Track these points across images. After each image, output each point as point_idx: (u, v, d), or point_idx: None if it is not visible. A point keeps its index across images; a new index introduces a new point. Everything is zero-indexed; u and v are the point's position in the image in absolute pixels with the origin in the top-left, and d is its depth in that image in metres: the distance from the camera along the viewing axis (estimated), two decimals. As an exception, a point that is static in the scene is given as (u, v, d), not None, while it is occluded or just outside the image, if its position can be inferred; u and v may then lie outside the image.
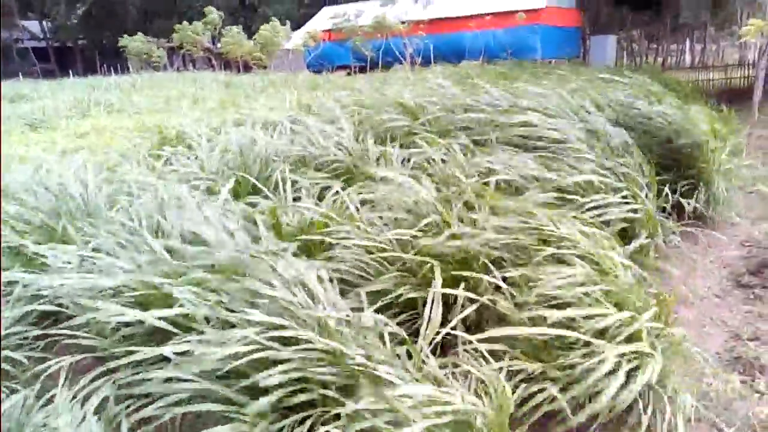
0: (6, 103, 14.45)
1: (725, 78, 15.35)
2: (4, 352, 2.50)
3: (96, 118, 11.01)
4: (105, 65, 31.32)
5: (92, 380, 2.18)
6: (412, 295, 2.64)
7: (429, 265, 2.62)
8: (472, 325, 2.66)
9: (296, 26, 30.10)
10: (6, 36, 39.99)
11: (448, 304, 2.63)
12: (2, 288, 2.77)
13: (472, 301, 2.44)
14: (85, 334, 2.39)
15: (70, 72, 30.05)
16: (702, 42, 29.45)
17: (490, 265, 2.60)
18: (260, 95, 10.88)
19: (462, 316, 2.40)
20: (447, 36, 26.01)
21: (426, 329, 2.26)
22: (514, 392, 2.03)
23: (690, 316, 3.18)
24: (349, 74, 22.52)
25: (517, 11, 23.93)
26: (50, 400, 2.09)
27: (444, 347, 2.46)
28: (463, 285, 2.54)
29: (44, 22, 42.34)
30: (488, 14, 24.96)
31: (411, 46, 24.30)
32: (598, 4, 25.05)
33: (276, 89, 12.52)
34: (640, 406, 2.05)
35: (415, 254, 2.74)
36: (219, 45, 27.96)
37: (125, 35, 29.20)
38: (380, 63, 24.62)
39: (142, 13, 38.86)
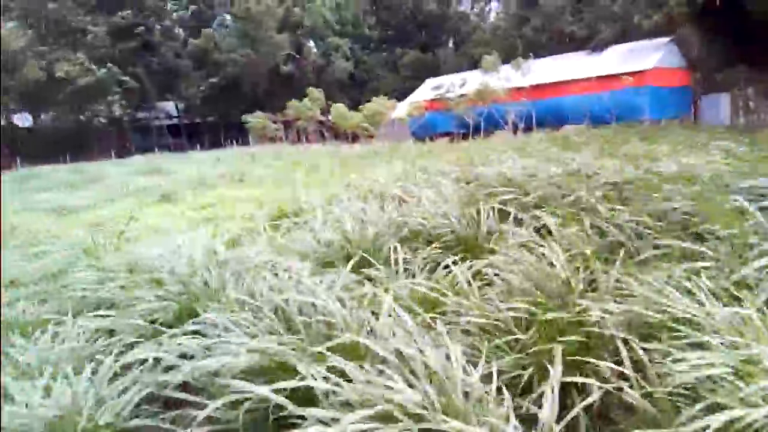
0: (142, 176, 16.10)
1: None
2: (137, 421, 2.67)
3: (221, 189, 11.94)
4: (229, 138, 34.21)
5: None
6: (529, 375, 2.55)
7: (549, 347, 2.52)
8: (595, 414, 2.51)
9: (401, 97, 31.40)
10: (146, 115, 45.16)
11: (567, 388, 2.51)
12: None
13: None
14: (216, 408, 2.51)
15: (198, 146, 33.11)
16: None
17: (621, 345, 2.46)
18: (367, 166, 11.32)
19: (585, 404, 2.28)
20: (549, 101, 25.90)
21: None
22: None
23: None
24: (451, 141, 22.89)
25: (622, 74, 23.46)
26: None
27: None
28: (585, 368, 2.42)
29: (178, 103, 47.38)
30: (592, 78, 24.64)
31: (512, 112, 24.43)
32: (710, 62, 23.97)
33: (382, 160, 12.97)
34: None
35: (534, 334, 2.65)
36: (329, 118, 29.73)
37: (246, 112, 32.02)
38: (482, 129, 24.87)
39: (261, 91, 42.35)
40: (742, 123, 20.88)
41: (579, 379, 2.31)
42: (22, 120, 41.39)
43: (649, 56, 24.61)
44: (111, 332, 3.49)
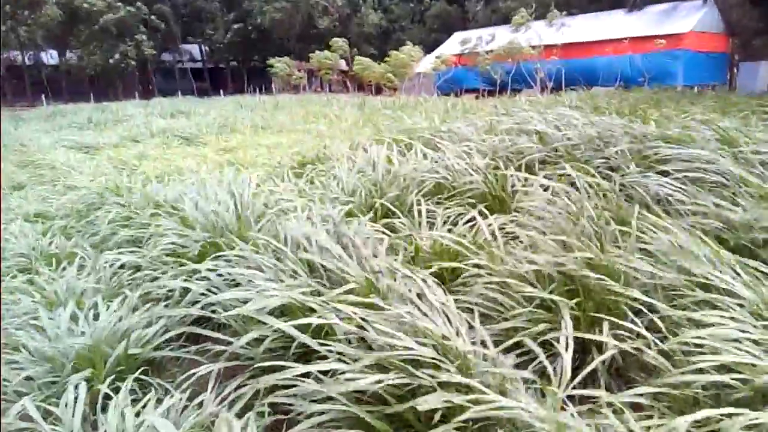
0: (166, 118, 16.13)
1: None
2: (161, 353, 2.73)
3: (243, 134, 11.92)
4: (251, 85, 34.00)
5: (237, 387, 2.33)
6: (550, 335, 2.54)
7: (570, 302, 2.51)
8: (613, 371, 2.51)
9: (427, 51, 30.74)
10: (170, 58, 44.90)
11: (585, 345, 2.50)
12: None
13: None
14: (237, 343, 2.56)
15: (221, 91, 32.97)
16: None
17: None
18: (392, 118, 11.18)
19: (601, 358, 2.27)
20: (580, 61, 25.15)
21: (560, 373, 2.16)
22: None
23: None
24: (477, 98, 22.48)
25: (657, 36, 22.64)
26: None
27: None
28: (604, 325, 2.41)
29: (203, 46, 46.94)
30: (626, 39, 23.81)
31: (542, 70, 23.82)
32: (750, 28, 22.97)
33: (406, 111, 12.80)
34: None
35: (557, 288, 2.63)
36: (353, 68, 29.31)
37: (271, 57, 31.66)
38: (509, 87, 24.37)
39: (286, 38, 41.73)
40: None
41: (595, 337, 2.30)
42: (48, 57, 41.51)
43: (686, 19, 23.68)
44: (137, 267, 3.55)
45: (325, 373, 2.16)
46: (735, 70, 24.72)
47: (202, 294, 2.79)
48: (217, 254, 3.13)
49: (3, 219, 5.73)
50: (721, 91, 19.55)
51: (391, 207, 4.04)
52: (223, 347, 2.63)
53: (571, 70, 24.10)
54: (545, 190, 4.28)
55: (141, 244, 3.87)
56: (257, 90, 31.28)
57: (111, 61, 36.27)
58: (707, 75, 23.04)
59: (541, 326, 2.56)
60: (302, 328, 2.36)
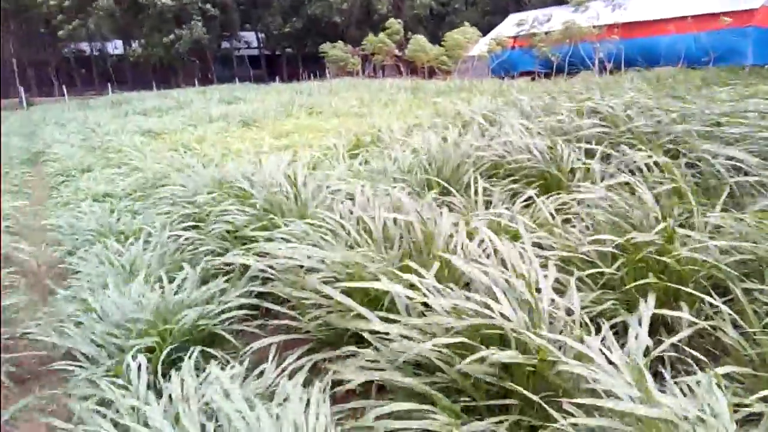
0: (224, 104, 16.53)
1: None
2: (222, 328, 2.80)
3: (298, 118, 12.07)
4: (306, 71, 34.36)
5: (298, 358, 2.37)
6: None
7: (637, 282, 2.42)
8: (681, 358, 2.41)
9: (482, 33, 30.17)
10: (228, 45, 45.91)
11: (656, 329, 2.41)
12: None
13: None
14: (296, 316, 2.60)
15: (277, 77, 33.46)
16: None
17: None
18: (447, 99, 11.06)
19: (675, 339, 2.18)
20: (641, 41, 24.07)
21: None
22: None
23: None
24: (533, 80, 21.93)
25: (725, 13, 21.36)
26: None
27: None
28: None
29: (259, 33, 47.74)
30: (691, 17, 22.59)
31: (601, 51, 22.97)
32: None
33: (460, 95, 12.63)
34: None
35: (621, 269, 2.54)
36: (406, 52, 29.10)
37: (326, 43, 31.84)
38: (566, 69, 23.63)
39: (343, 25, 41.86)
40: None
41: (669, 312, 2.20)
42: (113, 47, 43.25)
43: (757, -7, 22.22)
44: (199, 242, 3.66)
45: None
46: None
47: (261, 270, 2.84)
48: (278, 230, 3.18)
49: (76, 198, 6.03)
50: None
51: (447, 185, 4.00)
52: (285, 321, 2.69)
53: (632, 50, 23.09)
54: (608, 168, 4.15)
55: (203, 222, 3.97)
56: (312, 76, 31.58)
57: (171, 50, 37.38)
58: (781, 53, 21.62)
59: (608, 304, 2.49)
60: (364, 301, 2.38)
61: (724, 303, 2.36)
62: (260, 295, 2.98)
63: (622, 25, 24.17)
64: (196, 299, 2.80)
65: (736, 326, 2.29)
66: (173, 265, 3.38)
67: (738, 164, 3.77)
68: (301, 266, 2.68)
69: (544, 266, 2.84)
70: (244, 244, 3.32)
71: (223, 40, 45.12)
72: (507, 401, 1.91)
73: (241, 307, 2.89)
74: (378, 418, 1.90)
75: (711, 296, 2.35)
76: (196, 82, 33.72)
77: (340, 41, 32.19)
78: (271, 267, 2.74)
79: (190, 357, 2.29)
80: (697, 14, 22.72)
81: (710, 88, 8.06)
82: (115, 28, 39.61)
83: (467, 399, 1.98)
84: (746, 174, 3.66)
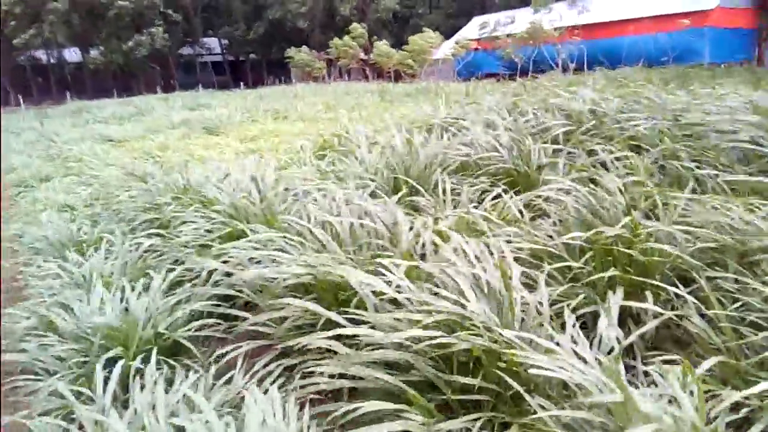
0: (187, 110, 16.24)
1: None
2: (189, 335, 2.72)
3: (264, 123, 11.94)
4: (271, 76, 34.07)
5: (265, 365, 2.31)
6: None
7: (603, 275, 2.43)
8: (649, 347, 2.43)
9: (446, 37, 30.42)
10: (190, 51, 45.26)
11: (622, 318, 2.43)
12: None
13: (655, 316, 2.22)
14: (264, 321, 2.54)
15: (241, 83, 33.09)
16: None
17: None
18: (413, 102, 11.09)
19: (641, 331, 2.20)
20: (603, 41, 24.64)
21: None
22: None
23: None
24: (498, 81, 22.18)
25: (682, 13, 22.02)
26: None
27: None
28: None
29: (222, 39, 47.18)
30: (650, 18, 23.25)
31: (564, 52, 23.38)
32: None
33: (427, 96, 12.68)
34: None
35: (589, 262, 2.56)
36: (372, 56, 29.12)
37: (290, 48, 31.63)
38: (530, 70, 23.97)
39: (310, 30, 41.65)
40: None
41: (636, 304, 2.22)
42: (71, 55, 42.15)
43: (711, -5, 23.00)
44: (162, 251, 3.56)
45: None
46: (764, 47, 23.98)
47: (227, 274, 2.77)
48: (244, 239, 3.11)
49: (34, 209, 5.82)
50: (750, 68, 19.00)
51: (415, 185, 3.98)
52: (251, 327, 2.62)
53: (594, 50, 23.59)
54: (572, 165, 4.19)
55: (166, 228, 3.87)
56: (277, 81, 31.34)
57: (131, 57, 36.59)
58: (734, 52, 22.37)
59: (578, 299, 2.50)
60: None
61: (690, 293, 2.40)
62: (229, 300, 2.92)
63: (583, 26, 24.68)
64: (161, 307, 2.71)
65: (702, 316, 2.33)
66: (136, 273, 3.27)
67: (699, 158, 3.87)
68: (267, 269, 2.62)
69: (516, 260, 2.86)
70: (209, 249, 3.24)
71: (185, 46, 44.45)
72: (480, 397, 1.89)
73: (210, 314, 2.81)
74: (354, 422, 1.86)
75: (677, 286, 2.39)
76: (159, 90, 33.11)
77: (304, 46, 32.02)
78: (237, 272, 2.67)
79: (154, 365, 2.22)
80: (656, 15, 23.36)
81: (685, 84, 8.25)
82: (72, 35, 38.58)
83: (440, 397, 1.96)
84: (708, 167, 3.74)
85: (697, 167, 3.71)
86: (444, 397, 1.92)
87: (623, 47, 23.67)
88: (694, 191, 3.44)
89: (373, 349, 2.11)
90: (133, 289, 2.89)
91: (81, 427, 2.01)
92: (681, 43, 21.84)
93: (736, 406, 1.92)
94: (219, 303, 2.89)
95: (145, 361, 2.35)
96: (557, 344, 1.82)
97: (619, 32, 24.82)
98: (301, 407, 2.01)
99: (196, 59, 46.39)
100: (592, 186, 3.44)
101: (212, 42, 47.51)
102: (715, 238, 2.60)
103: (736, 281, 2.42)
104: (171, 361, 2.46)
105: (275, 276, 2.46)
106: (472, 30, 30.65)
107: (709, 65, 19.29)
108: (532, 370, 1.70)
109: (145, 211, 4.31)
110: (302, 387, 2.07)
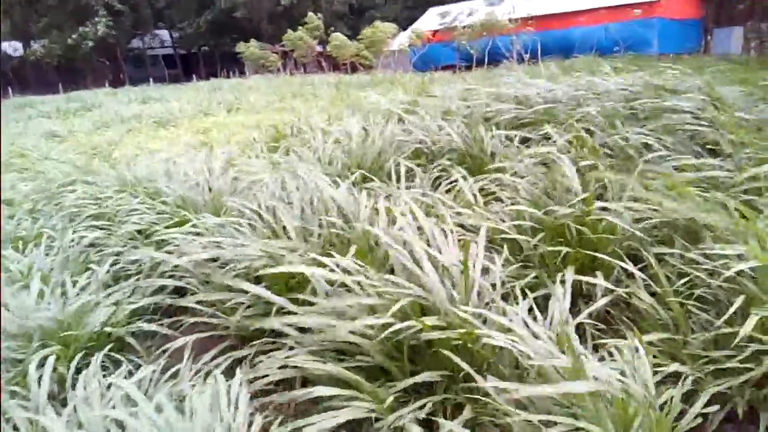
0: (137, 105, 15.74)
1: None
2: (135, 325, 2.62)
3: (217, 116, 11.67)
4: (224, 69, 33.34)
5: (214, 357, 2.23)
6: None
7: (555, 253, 2.44)
8: (600, 323, 2.46)
9: (402, 28, 30.39)
10: (140, 44, 43.84)
11: (574, 297, 2.45)
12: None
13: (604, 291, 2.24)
14: (210, 311, 2.45)
15: (194, 76, 32.29)
16: None
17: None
18: (368, 93, 11.02)
19: (592, 309, 2.22)
20: (556, 32, 25.10)
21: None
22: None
23: None
24: (454, 73, 22.31)
25: (631, 5, 22.60)
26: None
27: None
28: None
29: (173, 32, 45.89)
30: (601, 8, 23.80)
31: (519, 43, 23.69)
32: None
33: (383, 87, 12.62)
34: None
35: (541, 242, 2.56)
36: (328, 48, 28.85)
37: (242, 42, 30.98)
38: (486, 61, 24.20)
39: (258, 21, 40.91)
40: (753, 57, 20.26)
41: (587, 278, 2.23)
42: (12, 49, 40.28)
43: (660, -14, 23.67)
44: (106, 244, 3.41)
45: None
46: (709, 37, 24.86)
47: (175, 267, 2.67)
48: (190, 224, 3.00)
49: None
50: (696, 57, 19.64)
51: (369, 173, 3.93)
52: (200, 319, 2.53)
53: (548, 41, 23.99)
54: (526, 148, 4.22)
55: (111, 222, 3.71)
56: (231, 74, 30.67)
57: (76, 50, 35.14)
58: (682, 42, 23.10)
59: (528, 279, 2.51)
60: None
61: (640, 270, 2.43)
62: (177, 292, 2.82)
63: (537, 17, 25.06)
64: (102, 302, 2.59)
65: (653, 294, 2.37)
66: (79, 268, 3.12)
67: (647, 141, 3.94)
68: (215, 260, 2.54)
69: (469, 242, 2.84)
70: (157, 242, 3.12)
71: (134, 39, 43.02)
72: (433, 377, 1.86)
73: (157, 308, 2.71)
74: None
75: (627, 264, 2.42)
76: (107, 84, 31.99)
77: (253, 40, 31.37)
78: (184, 263, 2.57)
79: (96, 362, 2.11)
80: (607, 6, 23.91)
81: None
82: (12, 27, 36.88)
83: (392, 381, 1.92)
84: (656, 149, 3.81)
85: (646, 148, 3.79)
86: (394, 382, 1.88)
87: (576, 38, 24.15)
88: (643, 172, 3.51)
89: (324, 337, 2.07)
90: (74, 284, 2.76)
91: (16, 428, 1.90)
92: (632, 34, 22.43)
93: (682, 378, 1.96)
94: (170, 296, 2.79)
95: (88, 357, 2.25)
96: (510, 321, 1.80)
97: (572, 23, 25.31)
98: (252, 398, 1.96)
99: (146, 52, 44.99)
100: (544, 169, 3.48)
101: (163, 34, 46.19)
102: (663, 216, 2.65)
103: (682, 257, 2.47)
104: (117, 356, 2.35)
105: (221, 261, 2.37)
106: (428, 21, 30.72)
107: (658, 55, 19.85)
108: (487, 340, 1.68)
109: (89, 205, 4.12)
110: (254, 378, 2.00)
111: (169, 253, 2.70)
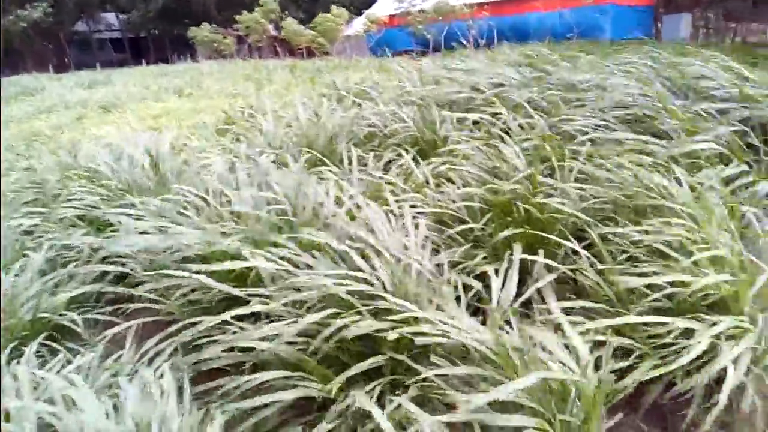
0: (82, 90, 15.13)
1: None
2: (72, 314, 2.52)
3: (167, 101, 11.33)
4: (176, 54, 32.36)
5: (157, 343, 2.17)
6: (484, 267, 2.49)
7: (503, 234, 2.46)
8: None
9: (358, 13, 30.12)
10: (85, 28, 42.01)
11: (522, 276, 2.48)
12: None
13: (549, 270, 2.28)
14: (155, 298, 2.38)
15: (144, 61, 31.21)
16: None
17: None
18: (322, 77, 10.90)
19: (538, 285, 2.25)
20: (511, 18, 25.37)
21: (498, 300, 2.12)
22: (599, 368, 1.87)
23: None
24: (412, 58, 22.30)
25: (585, -9, 23.00)
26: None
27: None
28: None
29: (120, 15, 44.14)
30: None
31: (474, 28, 23.82)
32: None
33: (338, 72, 12.49)
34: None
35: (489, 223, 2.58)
36: (283, 33, 28.33)
37: (194, 26, 30.12)
38: (443, 46, 24.26)
39: (211, 4, 39.78)
40: (700, 42, 20.95)
41: (533, 257, 2.26)
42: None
43: (612, -28, 24.16)
44: (45, 230, 3.27)
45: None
46: (660, 23, 25.50)
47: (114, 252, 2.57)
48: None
49: None
50: (647, 42, 20.15)
51: (320, 157, 3.89)
52: (143, 305, 2.46)
53: (503, 26, 24.20)
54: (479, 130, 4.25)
55: (49, 208, 3.56)
56: (182, 59, 29.77)
57: (13, 32, 33.32)
58: (634, 28, 23.65)
59: (477, 260, 2.52)
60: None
61: (584, 247, 2.48)
62: (120, 279, 2.72)
63: (492, 3, 25.24)
64: (39, 289, 2.48)
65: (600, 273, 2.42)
66: (14, 255, 2.98)
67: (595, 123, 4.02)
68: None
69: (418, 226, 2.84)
70: (98, 228, 3.01)
71: (79, 22, 41.18)
72: (379, 361, 1.86)
73: (101, 294, 2.61)
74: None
75: (572, 242, 2.46)
76: (51, 69, 30.61)
77: (205, 23, 30.50)
78: (122, 249, 2.48)
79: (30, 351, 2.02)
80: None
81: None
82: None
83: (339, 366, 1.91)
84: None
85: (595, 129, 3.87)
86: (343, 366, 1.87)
87: (530, 23, 24.48)
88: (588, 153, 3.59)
89: (270, 321, 2.04)
90: (8, 272, 2.63)
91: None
92: (585, 20, 22.84)
93: (625, 353, 2.02)
94: (111, 282, 2.70)
95: (22, 346, 2.15)
96: (440, 310, 1.81)
97: (527, 8, 25.60)
98: (195, 383, 1.92)
99: (93, 36, 43.18)
100: (495, 150, 3.50)
101: (110, 17, 44.40)
102: (606, 195, 2.71)
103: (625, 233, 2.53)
104: (55, 345, 2.26)
105: (164, 246, 2.30)
106: (383, 6, 30.50)
107: (611, 41, 20.29)
108: (422, 337, 1.68)
109: (26, 191, 3.94)
110: (195, 363, 1.96)
111: (107, 238, 2.60)
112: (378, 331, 1.72)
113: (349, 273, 1.99)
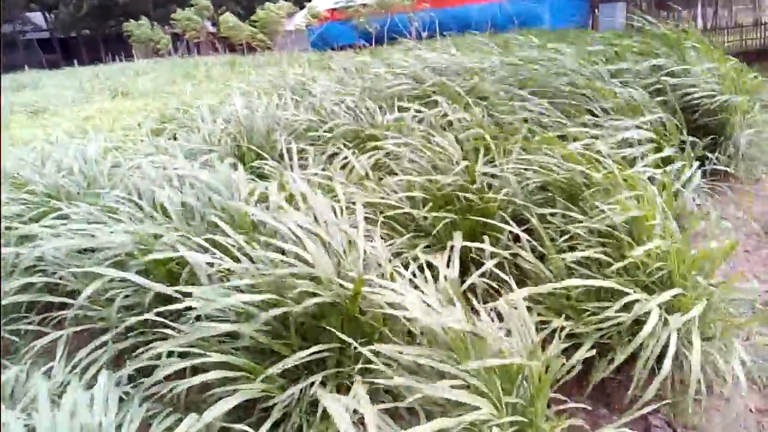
0: (9, 93, 14.36)
1: (740, 40, 15.09)
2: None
3: (101, 102, 10.88)
4: (110, 54, 31.13)
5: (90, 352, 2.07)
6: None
7: (444, 222, 2.46)
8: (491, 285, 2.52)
9: (300, 7, 29.73)
10: (10, 29, 39.86)
11: (465, 264, 2.49)
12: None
13: (493, 255, 2.29)
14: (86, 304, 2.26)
15: (75, 62, 29.90)
16: (714, 5, 28.65)
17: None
18: (262, 72, 10.70)
19: (481, 270, 2.26)
20: (452, 10, 25.59)
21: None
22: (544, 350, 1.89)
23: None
24: (355, 52, 22.22)
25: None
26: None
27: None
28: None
29: (47, 14, 42.10)
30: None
31: (416, 20, 23.92)
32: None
33: (278, 67, 12.31)
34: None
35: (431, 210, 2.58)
36: (221, 29, 27.68)
37: (129, 21, 29.06)
38: (385, 39, 24.26)
39: (144, 2, 38.41)
40: (634, 30, 21.71)
41: (473, 244, 2.27)
42: None
43: (549, -36, 24.70)
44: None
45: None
46: (596, 12, 26.24)
47: (39, 259, 2.43)
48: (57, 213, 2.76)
49: None
50: (583, 31, 20.74)
51: (259, 152, 3.80)
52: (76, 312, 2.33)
53: (444, 19, 24.37)
54: (419, 122, 4.25)
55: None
56: (117, 58, 28.65)
57: None
58: (571, 17, 24.24)
59: (419, 249, 2.51)
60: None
61: (525, 231, 2.51)
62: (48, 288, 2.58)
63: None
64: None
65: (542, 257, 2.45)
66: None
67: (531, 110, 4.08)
68: (87, 249, 2.34)
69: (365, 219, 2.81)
70: (20, 237, 2.84)
71: (4, 24, 39.00)
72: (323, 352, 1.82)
73: (31, 306, 2.47)
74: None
75: (513, 227, 2.48)
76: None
77: (145, 19, 29.51)
78: (48, 254, 2.35)
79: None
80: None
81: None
82: None
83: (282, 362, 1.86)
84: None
85: (530, 117, 3.93)
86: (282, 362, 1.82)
87: (472, 15, 24.76)
88: (525, 139, 3.64)
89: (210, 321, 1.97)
90: None
91: None
92: (524, 10, 23.35)
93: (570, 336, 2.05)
94: (39, 293, 2.55)
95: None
96: (394, 291, 1.79)
97: (468, 1, 25.89)
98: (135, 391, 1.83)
99: (19, 37, 41.00)
100: (434, 140, 3.50)
101: (36, 17, 42.28)
102: (544, 179, 2.75)
103: (564, 216, 2.57)
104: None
105: (93, 246, 2.19)
106: (325, 0, 30.22)
107: (550, 30, 20.76)
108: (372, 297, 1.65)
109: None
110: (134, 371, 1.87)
111: (35, 246, 2.45)
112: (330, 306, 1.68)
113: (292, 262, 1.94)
